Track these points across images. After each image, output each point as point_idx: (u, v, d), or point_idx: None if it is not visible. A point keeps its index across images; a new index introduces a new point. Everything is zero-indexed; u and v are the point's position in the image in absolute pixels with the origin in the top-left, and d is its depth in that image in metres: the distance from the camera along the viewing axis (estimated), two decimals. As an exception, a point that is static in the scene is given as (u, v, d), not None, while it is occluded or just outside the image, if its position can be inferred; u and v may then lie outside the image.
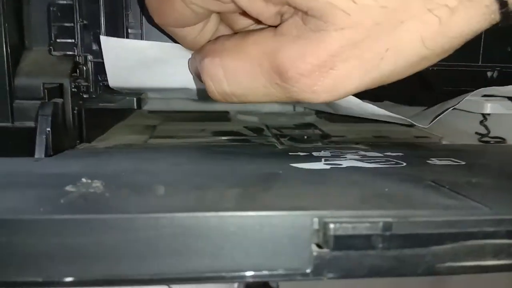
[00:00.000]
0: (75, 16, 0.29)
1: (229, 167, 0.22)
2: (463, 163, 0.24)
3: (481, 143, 0.37)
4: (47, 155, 0.26)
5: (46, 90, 0.29)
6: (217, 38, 0.22)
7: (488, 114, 0.37)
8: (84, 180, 0.18)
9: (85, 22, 0.29)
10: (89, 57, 0.30)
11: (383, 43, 0.17)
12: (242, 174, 0.20)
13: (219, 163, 0.23)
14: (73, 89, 0.30)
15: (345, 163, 0.23)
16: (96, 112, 0.33)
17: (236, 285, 0.71)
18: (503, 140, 0.37)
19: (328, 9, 0.16)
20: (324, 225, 0.15)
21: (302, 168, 0.22)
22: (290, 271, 0.15)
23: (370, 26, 0.17)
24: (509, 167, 0.23)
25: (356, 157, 0.25)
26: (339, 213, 0.15)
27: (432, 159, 0.25)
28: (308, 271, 0.15)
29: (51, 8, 0.29)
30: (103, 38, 0.28)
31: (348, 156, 0.26)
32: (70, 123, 0.30)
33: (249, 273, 0.15)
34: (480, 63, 0.34)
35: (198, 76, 0.26)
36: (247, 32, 0.20)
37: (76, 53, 0.30)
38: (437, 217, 0.15)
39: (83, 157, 0.24)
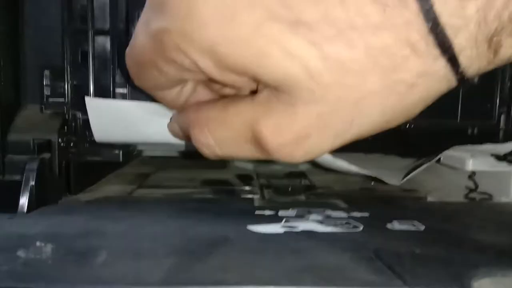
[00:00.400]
0: (66, 78, 0.32)
1: (183, 228, 0.23)
2: (423, 228, 0.24)
3: (466, 200, 0.36)
4: (30, 209, 0.28)
5: (36, 145, 0.31)
6: (200, 106, 0.23)
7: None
8: (37, 244, 0.19)
9: (75, 83, 0.32)
10: (78, 114, 0.32)
11: (348, 113, 0.18)
12: (189, 239, 0.21)
13: (177, 224, 0.24)
14: (61, 144, 0.32)
15: (302, 226, 0.24)
16: (87, 164, 0.35)
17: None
18: (490, 196, 0.36)
19: (294, 87, 0.18)
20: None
21: (255, 232, 0.23)
22: None
23: (334, 101, 0.18)
24: (465, 235, 0.23)
25: (319, 217, 0.26)
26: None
27: (394, 222, 0.25)
28: None
29: (44, 71, 0.32)
30: (87, 99, 0.30)
31: (311, 217, 0.26)
32: (57, 176, 0.32)
33: None
34: (459, 120, 0.34)
35: (180, 138, 0.27)
36: (228, 101, 0.22)
37: (65, 111, 0.32)
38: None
39: (56, 214, 0.26)
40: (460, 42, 0.16)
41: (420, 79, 0.17)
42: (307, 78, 0.17)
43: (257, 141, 0.20)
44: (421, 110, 0.19)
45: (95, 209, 0.28)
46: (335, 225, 0.24)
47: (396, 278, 0.17)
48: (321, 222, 0.25)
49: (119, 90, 0.32)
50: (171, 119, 0.28)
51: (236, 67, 0.18)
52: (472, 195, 0.37)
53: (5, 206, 0.28)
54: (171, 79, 0.22)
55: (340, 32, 0.17)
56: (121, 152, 0.34)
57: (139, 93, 0.32)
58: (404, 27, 0.17)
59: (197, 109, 0.23)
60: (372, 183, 0.44)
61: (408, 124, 0.34)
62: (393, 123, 0.19)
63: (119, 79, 0.32)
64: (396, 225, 0.25)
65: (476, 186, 0.38)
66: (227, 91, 0.24)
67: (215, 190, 0.38)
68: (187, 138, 0.25)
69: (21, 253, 0.18)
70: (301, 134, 0.19)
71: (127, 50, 0.22)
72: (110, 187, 0.37)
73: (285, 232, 0.23)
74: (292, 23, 0.17)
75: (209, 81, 0.24)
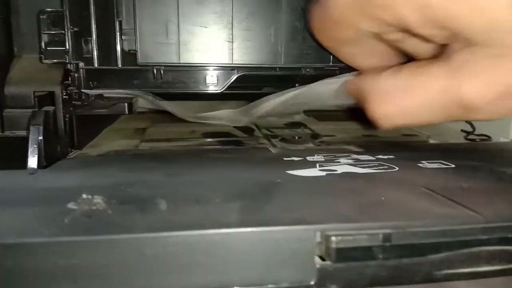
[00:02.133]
0: (65, 24, 0.29)
1: (225, 176, 0.22)
2: (453, 166, 0.25)
3: (467, 141, 0.37)
4: (40, 165, 0.26)
5: (36, 99, 0.29)
6: (379, 74, 0.23)
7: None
8: (84, 196, 0.18)
9: (75, 29, 0.29)
10: (81, 64, 0.30)
11: None
12: (240, 184, 0.20)
13: (215, 172, 0.23)
14: (64, 97, 0.30)
15: (339, 169, 0.24)
16: (86, 118, 0.33)
17: None
18: (488, 137, 0.38)
19: (507, 36, 0.17)
20: (326, 238, 0.15)
21: (298, 175, 0.22)
22: (295, 283, 0.15)
23: None
24: (496, 169, 0.24)
25: (350, 161, 0.26)
26: (341, 226, 0.16)
27: (423, 162, 0.25)
28: (312, 283, 0.15)
29: (41, 16, 0.29)
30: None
31: (342, 160, 0.26)
32: (62, 131, 0.30)
33: (254, 285, 0.15)
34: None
35: (352, 100, 0.26)
36: (414, 70, 0.21)
37: (67, 61, 0.30)
38: (433, 226, 0.16)
39: (78, 168, 0.24)
40: None
41: None
42: None
43: (458, 104, 0.19)
44: None
45: (116, 161, 0.27)
46: (370, 166, 0.25)
47: (468, 210, 0.17)
48: (354, 165, 0.25)
49: (127, 37, 0.30)
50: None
51: (447, 20, 0.18)
52: (471, 137, 0.38)
53: (7, 162, 0.26)
54: (361, 37, 0.21)
55: None
56: (126, 104, 0.32)
57: (149, 40, 0.30)
58: None
59: (376, 79, 0.23)
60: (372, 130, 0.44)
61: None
62: None
63: (126, 24, 0.30)
64: (426, 164, 0.25)
65: (474, 129, 0.39)
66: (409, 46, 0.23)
67: (222, 141, 0.37)
68: (360, 104, 0.24)
69: (72, 206, 0.17)
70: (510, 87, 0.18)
71: (317, 8, 0.22)
72: (113, 143, 0.35)
73: (327, 175, 0.23)
74: None
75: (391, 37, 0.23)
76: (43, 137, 0.27)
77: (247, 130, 0.43)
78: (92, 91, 0.29)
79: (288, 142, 0.37)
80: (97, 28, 0.29)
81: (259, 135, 0.40)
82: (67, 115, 0.30)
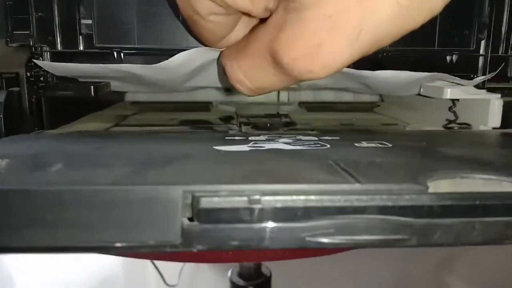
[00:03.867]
0: (30, 9, 0.31)
1: (149, 150, 0.23)
2: (389, 145, 0.24)
3: (443, 129, 0.36)
4: (0, 140, 0.28)
5: (3, 80, 0.30)
6: (235, 44, 0.24)
7: (457, 100, 0.37)
8: (-6, 159, 0.19)
9: (40, 14, 0.31)
10: (45, 47, 0.32)
11: (358, 14, 0.18)
12: (153, 156, 0.21)
13: (144, 146, 0.24)
14: (30, 78, 0.31)
15: (269, 146, 0.24)
16: (64, 104, 0.35)
17: (229, 272, 0.73)
18: (468, 125, 0.36)
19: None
20: (194, 199, 0.16)
21: (220, 150, 0.22)
22: (161, 242, 0.16)
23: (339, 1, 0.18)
24: (433, 149, 0.23)
25: (289, 140, 0.26)
26: (210, 188, 0.16)
27: (363, 142, 0.25)
28: (177, 243, 0.16)
29: (7, 2, 0.31)
30: (41, 63, 0.30)
31: (282, 140, 0.26)
32: (27, 110, 0.31)
33: (119, 244, 0.16)
34: (436, 47, 0.33)
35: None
36: (250, 31, 0.22)
37: (32, 44, 0.31)
38: (305, 191, 0.16)
39: (22, 141, 0.26)
40: None
41: None
42: None
43: (275, 61, 0.20)
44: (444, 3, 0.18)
45: (64, 137, 0.28)
46: (303, 145, 0.24)
47: (349, 177, 0.17)
48: (289, 143, 0.25)
49: (85, 21, 0.31)
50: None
51: None
52: (451, 125, 0.37)
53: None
54: (214, 20, 0.22)
55: None
56: (92, 87, 0.33)
57: (105, 25, 0.31)
58: None
59: (232, 47, 0.24)
60: (353, 119, 0.43)
61: (383, 53, 0.33)
62: (410, 25, 0.18)
63: (84, 10, 0.31)
64: (364, 144, 0.24)
65: (456, 117, 0.37)
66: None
67: (193, 127, 0.38)
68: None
69: (-25, 166, 0.18)
70: (312, 42, 0.19)
71: None
72: (86, 125, 0.36)
73: (250, 150, 0.23)
74: None
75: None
76: (4, 115, 0.29)
77: (226, 118, 0.43)
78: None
79: (257, 129, 0.37)
80: (59, 13, 0.31)
81: (235, 123, 0.40)
82: (34, 96, 0.32)
